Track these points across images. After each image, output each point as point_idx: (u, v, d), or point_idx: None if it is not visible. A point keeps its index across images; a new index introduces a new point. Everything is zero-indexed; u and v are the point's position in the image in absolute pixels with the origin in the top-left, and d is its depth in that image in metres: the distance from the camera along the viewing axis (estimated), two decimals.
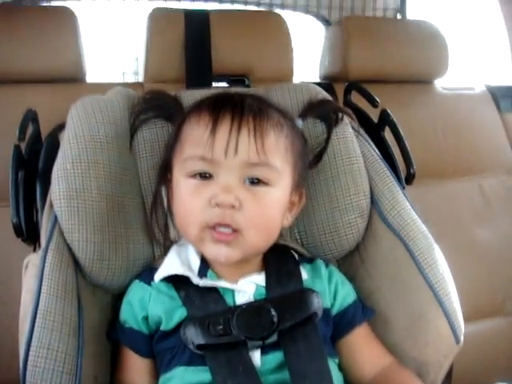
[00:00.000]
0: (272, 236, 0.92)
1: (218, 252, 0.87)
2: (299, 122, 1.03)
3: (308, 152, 1.02)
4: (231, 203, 0.84)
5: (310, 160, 1.04)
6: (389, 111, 1.21)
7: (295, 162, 0.92)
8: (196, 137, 0.88)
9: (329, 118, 1.06)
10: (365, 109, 1.29)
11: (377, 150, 1.11)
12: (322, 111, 1.06)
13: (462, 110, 1.87)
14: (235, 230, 0.85)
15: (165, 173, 0.96)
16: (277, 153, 0.88)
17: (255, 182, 0.87)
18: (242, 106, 0.88)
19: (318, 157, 1.04)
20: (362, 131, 1.13)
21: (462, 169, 1.82)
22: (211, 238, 0.86)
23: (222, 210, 0.84)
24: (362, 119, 1.22)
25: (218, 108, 0.88)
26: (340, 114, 1.06)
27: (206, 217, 0.85)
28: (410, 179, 1.16)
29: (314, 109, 1.06)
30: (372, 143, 1.12)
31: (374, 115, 1.26)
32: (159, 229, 0.99)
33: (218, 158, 0.85)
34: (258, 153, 0.85)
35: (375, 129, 1.21)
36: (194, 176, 0.88)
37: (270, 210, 0.88)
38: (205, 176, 0.87)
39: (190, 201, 0.88)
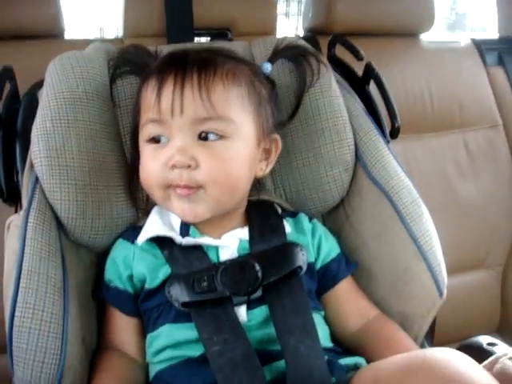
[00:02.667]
0: (238, 190, 0.90)
1: (183, 209, 0.86)
2: (267, 66, 1.01)
3: (277, 94, 1.00)
4: (186, 163, 0.83)
5: (292, 110, 1.03)
6: (373, 64, 1.19)
7: (256, 108, 0.90)
8: (147, 102, 0.87)
9: (299, 63, 1.03)
10: (350, 64, 1.27)
11: (361, 104, 1.10)
12: (290, 53, 1.04)
13: (447, 64, 1.86)
14: (196, 188, 0.85)
15: (137, 138, 0.94)
16: (228, 104, 0.86)
17: (210, 137, 0.85)
18: (184, 63, 0.86)
19: (296, 107, 1.03)
20: (346, 85, 1.12)
21: (446, 123, 1.82)
22: (174, 196, 0.86)
23: (180, 170, 0.84)
24: (347, 73, 1.20)
25: (164, 69, 0.87)
26: (313, 60, 1.03)
27: (166, 179, 0.85)
28: (394, 133, 1.15)
29: (282, 51, 1.04)
30: (357, 97, 1.11)
31: (359, 70, 1.24)
32: (140, 189, 0.98)
33: (165, 119, 0.84)
34: (206, 107, 0.84)
35: (360, 83, 1.19)
36: (151, 140, 0.87)
37: (229, 163, 0.86)
38: (160, 139, 0.86)
39: (149, 165, 0.87)
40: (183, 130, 0.84)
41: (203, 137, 0.85)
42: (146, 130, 0.88)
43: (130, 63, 1.01)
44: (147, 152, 0.88)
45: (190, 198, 0.85)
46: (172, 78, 0.85)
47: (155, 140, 0.87)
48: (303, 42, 1.08)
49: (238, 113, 0.87)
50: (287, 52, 1.04)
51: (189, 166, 0.83)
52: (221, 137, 0.85)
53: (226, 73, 0.87)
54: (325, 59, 1.08)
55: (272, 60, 1.03)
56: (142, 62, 0.99)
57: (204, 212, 0.87)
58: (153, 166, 0.86)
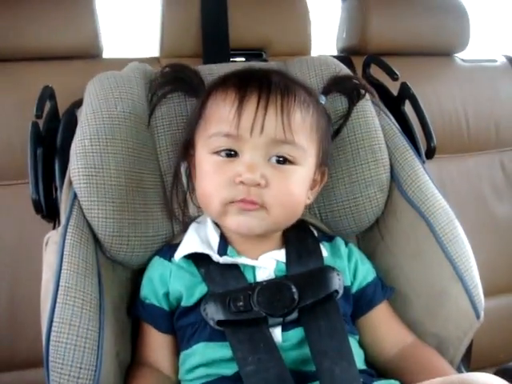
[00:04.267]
0: (296, 214, 0.92)
1: (238, 221, 0.87)
2: (322, 99, 1.02)
3: (331, 129, 1.01)
4: (256, 181, 0.84)
5: (331, 136, 1.03)
6: (409, 84, 1.19)
7: (320, 140, 0.92)
8: (222, 114, 0.87)
9: (350, 94, 1.05)
10: (384, 82, 1.27)
11: (396, 124, 1.10)
12: (345, 87, 1.05)
13: (482, 83, 1.84)
14: (260, 206, 0.85)
15: (186, 149, 0.96)
16: (303, 131, 0.87)
17: (281, 160, 0.86)
18: (268, 84, 0.87)
19: (337, 132, 1.04)
20: (381, 105, 1.11)
21: (482, 143, 1.80)
22: (235, 210, 0.86)
23: (247, 187, 0.84)
24: (382, 93, 1.20)
25: (245, 85, 0.87)
26: (362, 91, 1.04)
27: (230, 194, 0.85)
28: (430, 153, 1.15)
29: (337, 85, 1.05)
30: (392, 117, 1.11)
31: (393, 89, 1.24)
32: (178, 205, 0.99)
33: (243, 136, 0.85)
34: (285, 131, 0.85)
35: (395, 103, 1.19)
36: (218, 153, 0.87)
37: (295, 189, 0.88)
38: (230, 154, 0.86)
39: (213, 178, 0.87)
40: (257, 149, 0.85)
41: (276, 159, 0.86)
42: (216, 142, 0.87)
43: (175, 79, 1.03)
44: (212, 164, 0.88)
45: (251, 213, 0.86)
46: (256, 95, 0.85)
47: (224, 154, 0.87)
48: (347, 69, 1.10)
49: (307, 141, 0.88)
50: (342, 85, 1.05)
51: (258, 185, 0.84)
52: (291, 162, 0.87)
53: (303, 101, 0.89)
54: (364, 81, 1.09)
55: (326, 93, 1.04)
56: (187, 77, 1.01)
57: (259, 228, 0.87)
58: (218, 179, 0.86)
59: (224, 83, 0.91)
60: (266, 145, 0.85)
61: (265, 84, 0.87)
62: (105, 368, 0.81)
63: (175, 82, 1.03)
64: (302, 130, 0.87)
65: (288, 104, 0.86)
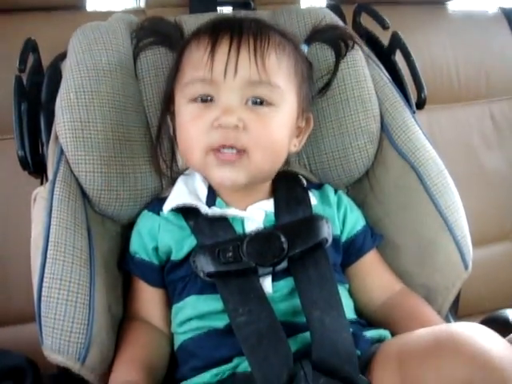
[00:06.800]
0: (278, 159, 0.91)
1: (222, 175, 0.86)
2: (304, 47, 1.00)
3: (313, 76, 1.00)
4: (234, 124, 0.83)
5: (319, 87, 1.02)
6: (400, 34, 1.17)
7: (299, 83, 0.91)
8: (195, 60, 0.86)
9: (337, 45, 1.03)
10: (375, 32, 1.25)
11: (387, 74, 1.08)
12: (329, 37, 1.03)
13: (474, 33, 1.81)
14: (240, 151, 0.84)
15: (168, 103, 0.95)
16: (279, 72, 0.86)
17: (258, 102, 0.85)
18: (240, 27, 0.86)
19: (327, 84, 1.02)
20: (371, 55, 1.10)
21: (472, 93, 1.78)
22: (215, 162, 0.85)
23: (225, 131, 0.83)
24: (372, 43, 1.18)
25: (217, 30, 0.86)
26: (350, 42, 1.03)
27: (209, 140, 0.84)
28: (421, 104, 1.13)
29: (320, 34, 1.03)
30: (382, 67, 1.09)
31: (384, 39, 1.22)
32: (165, 159, 0.99)
33: (217, 79, 0.84)
34: (259, 71, 0.84)
35: (386, 52, 1.17)
36: (195, 100, 0.87)
37: (275, 131, 0.87)
38: (206, 99, 0.86)
39: (191, 125, 0.86)
40: (233, 92, 0.84)
41: (252, 101, 0.85)
42: (192, 89, 0.87)
43: (154, 34, 1.01)
44: (189, 112, 0.87)
45: (233, 164, 0.85)
46: (227, 38, 0.85)
47: (200, 100, 0.86)
48: (337, 19, 1.08)
49: (285, 82, 0.87)
50: (325, 35, 1.03)
51: (236, 127, 0.83)
52: (269, 104, 0.86)
53: (278, 43, 0.88)
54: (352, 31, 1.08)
55: (309, 41, 1.03)
56: (166, 32, 1.00)
57: (243, 178, 0.86)
58: (196, 126, 0.85)
59: (197, 32, 0.90)
60: (241, 87, 0.84)
61: (236, 27, 0.86)
62: (97, 322, 0.81)
63: (154, 36, 1.02)
64: (277, 70, 0.86)
65: (262, 45, 0.85)
